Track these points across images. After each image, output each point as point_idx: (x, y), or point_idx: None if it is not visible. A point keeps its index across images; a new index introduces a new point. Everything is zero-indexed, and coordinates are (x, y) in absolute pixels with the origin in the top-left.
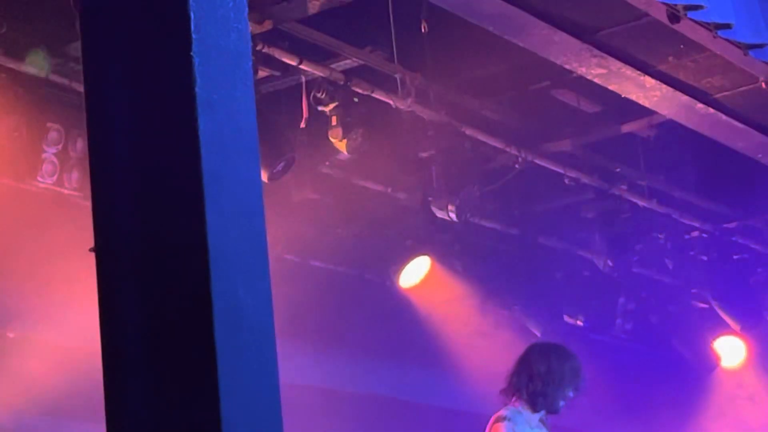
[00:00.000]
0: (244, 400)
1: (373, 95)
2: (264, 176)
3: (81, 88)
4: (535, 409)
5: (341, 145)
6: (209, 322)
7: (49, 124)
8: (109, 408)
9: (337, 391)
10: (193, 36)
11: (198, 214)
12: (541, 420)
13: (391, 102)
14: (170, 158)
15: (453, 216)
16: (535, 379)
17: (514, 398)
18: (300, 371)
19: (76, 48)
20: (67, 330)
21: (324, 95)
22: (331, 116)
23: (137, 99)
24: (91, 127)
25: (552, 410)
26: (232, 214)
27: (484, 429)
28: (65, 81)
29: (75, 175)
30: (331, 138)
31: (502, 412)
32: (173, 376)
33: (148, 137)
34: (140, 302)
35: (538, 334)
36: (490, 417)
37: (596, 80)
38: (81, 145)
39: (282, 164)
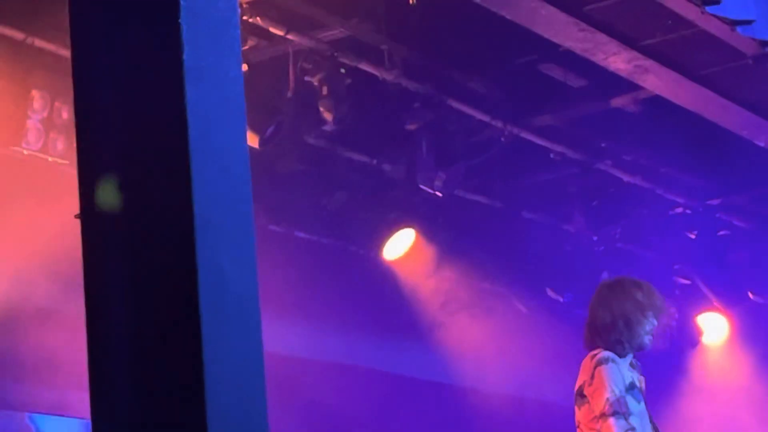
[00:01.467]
0: (228, 369)
1: (360, 67)
2: (254, 142)
3: (67, 54)
4: (620, 355)
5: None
6: (194, 291)
7: (33, 91)
8: (93, 378)
9: (319, 362)
10: (182, 3)
11: (184, 183)
12: (631, 364)
13: (377, 74)
14: (157, 126)
15: (438, 190)
16: (602, 329)
17: (597, 348)
18: (283, 341)
19: (63, 14)
20: None
21: (311, 66)
22: (321, 87)
23: (124, 66)
24: (77, 93)
25: (638, 350)
26: (218, 183)
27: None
28: (51, 47)
29: (60, 141)
30: (321, 108)
31: (603, 354)
32: (157, 345)
33: (135, 105)
34: (125, 270)
35: (522, 308)
36: (472, 390)
37: (583, 54)
38: (66, 111)
39: (272, 128)
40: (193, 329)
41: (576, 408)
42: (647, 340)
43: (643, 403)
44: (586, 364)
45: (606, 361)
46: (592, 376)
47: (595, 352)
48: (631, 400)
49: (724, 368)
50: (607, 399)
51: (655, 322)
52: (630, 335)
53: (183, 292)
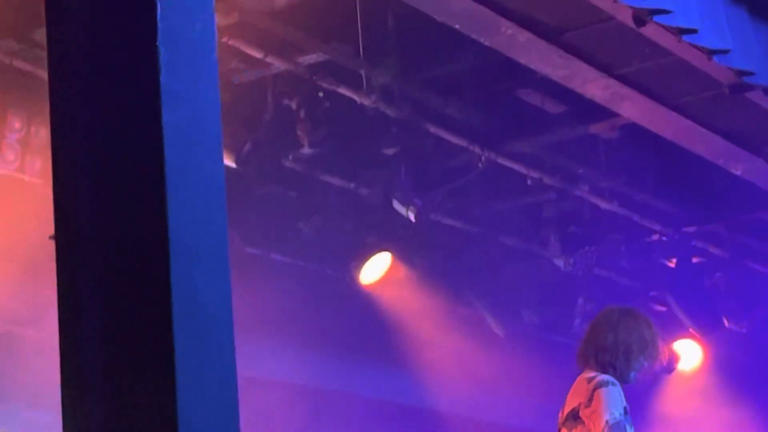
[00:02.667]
0: (201, 393)
1: (338, 90)
2: (230, 160)
3: (45, 75)
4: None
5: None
6: (168, 314)
7: (11, 111)
8: (66, 399)
9: (293, 385)
10: (159, 26)
11: (159, 205)
12: None
13: (355, 98)
14: (133, 148)
15: (412, 215)
16: (601, 350)
17: (587, 367)
18: (258, 365)
19: (41, 34)
20: None
21: (289, 89)
22: (299, 110)
23: (101, 88)
24: (54, 114)
25: (624, 381)
26: (193, 206)
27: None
28: (29, 67)
29: (37, 161)
30: (298, 132)
31: (603, 377)
32: (131, 368)
33: (111, 127)
34: (99, 292)
35: (499, 333)
36: (447, 414)
37: (561, 81)
38: (43, 132)
39: (248, 146)
40: (166, 352)
41: (564, 431)
42: (632, 376)
43: (633, 430)
44: (581, 386)
45: (606, 383)
46: (590, 399)
47: (591, 375)
48: (627, 426)
49: (697, 395)
50: (607, 422)
51: (646, 364)
52: (624, 365)
53: (157, 315)
